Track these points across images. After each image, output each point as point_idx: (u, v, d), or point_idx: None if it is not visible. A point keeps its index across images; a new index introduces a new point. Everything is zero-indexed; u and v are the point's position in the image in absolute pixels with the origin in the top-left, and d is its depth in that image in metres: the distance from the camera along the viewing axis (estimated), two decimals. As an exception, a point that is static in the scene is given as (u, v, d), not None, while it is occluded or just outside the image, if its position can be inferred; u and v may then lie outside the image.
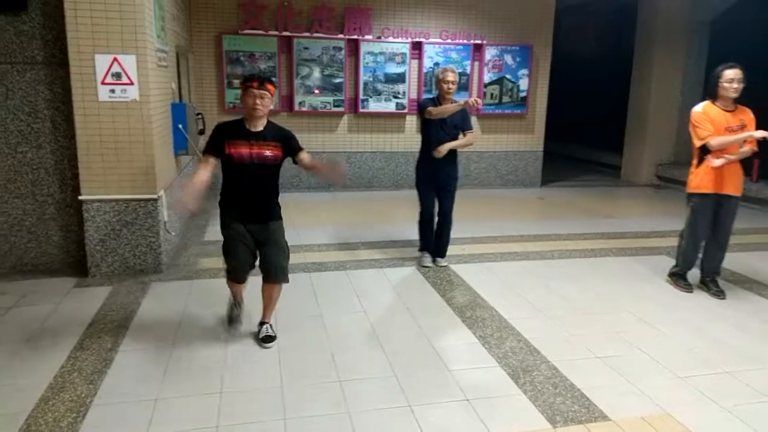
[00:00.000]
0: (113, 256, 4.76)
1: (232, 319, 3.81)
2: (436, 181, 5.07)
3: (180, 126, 5.52)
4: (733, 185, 4.57)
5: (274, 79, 8.04)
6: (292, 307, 4.23)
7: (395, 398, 3.04)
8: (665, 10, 9.65)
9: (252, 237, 3.55)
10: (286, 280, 3.68)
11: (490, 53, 8.89)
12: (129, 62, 4.44)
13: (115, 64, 4.41)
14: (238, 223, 3.52)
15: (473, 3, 8.79)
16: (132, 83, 4.48)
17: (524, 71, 9.08)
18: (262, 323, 3.76)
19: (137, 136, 4.58)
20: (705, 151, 4.50)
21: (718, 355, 3.62)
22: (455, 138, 5.01)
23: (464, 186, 9.24)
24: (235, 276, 3.63)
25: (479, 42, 8.84)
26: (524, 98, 9.18)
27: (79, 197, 4.61)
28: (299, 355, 3.49)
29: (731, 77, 4.37)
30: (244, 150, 3.41)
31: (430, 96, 5.16)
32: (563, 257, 5.60)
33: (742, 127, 4.42)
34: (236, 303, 3.80)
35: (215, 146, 3.43)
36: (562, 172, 11.03)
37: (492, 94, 9.04)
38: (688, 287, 4.73)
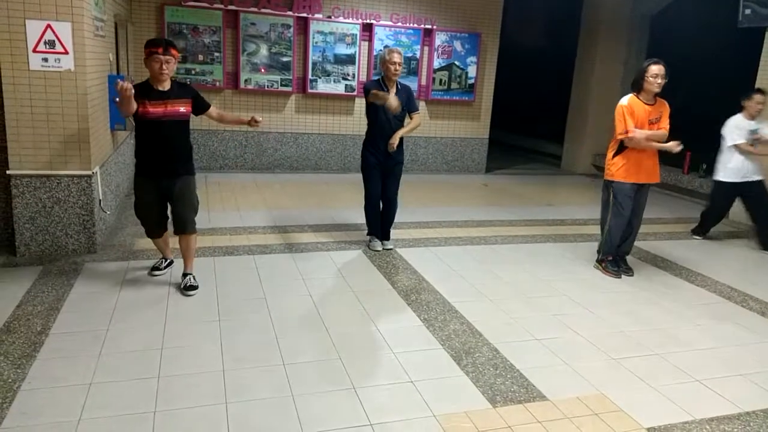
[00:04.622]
0: (44, 235, 4.52)
1: (155, 267, 4.30)
2: (385, 163, 5.06)
3: (117, 99, 5.25)
4: (650, 174, 4.81)
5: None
6: (235, 289, 4.14)
7: (340, 380, 3.04)
8: (609, 3, 9.92)
9: (163, 193, 3.95)
10: (194, 231, 4.10)
11: (439, 39, 8.91)
12: (64, 30, 4.19)
13: (49, 31, 4.15)
14: (150, 182, 3.91)
15: (424, -13, 8.77)
16: (66, 52, 4.24)
17: (473, 59, 9.16)
18: (184, 274, 4.08)
19: (71, 108, 4.34)
20: (623, 142, 4.74)
21: (649, 337, 3.79)
22: (401, 120, 5.01)
23: (411, 171, 9.29)
24: (149, 233, 4.15)
25: (429, 27, 8.84)
26: (472, 85, 9.27)
27: (7, 172, 4.33)
28: (242, 338, 3.43)
29: (656, 72, 4.58)
30: (159, 108, 3.78)
31: (375, 78, 5.09)
32: (505, 243, 5.72)
33: (659, 119, 4.71)
34: (164, 257, 4.34)
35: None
36: (506, 160, 11.25)
37: (441, 80, 9.09)
38: (617, 273, 4.93)
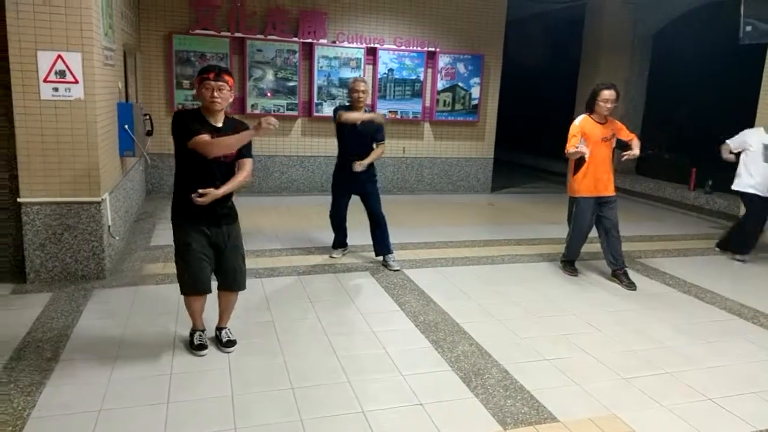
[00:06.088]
0: (54, 262, 4.56)
1: (199, 346, 3.52)
2: (352, 187, 5.33)
3: (126, 126, 5.34)
4: (607, 187, 5.11)
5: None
6: (243, 313, 4.14)
7: (349, 404, 3.03)
8: (610, 23, 10.01)
9: (211, 241, 3.37)
10: (244, 287, 3.60)
11: (443, 61, 9.01)
12: (74, 60, 4.28)
13: (59, 61, 4.24)
14: (197, 228, 3.32)
15: (427, 11, 8.90)
16: (77, 81, 4.32)
17: (476, 80, 9.24)
18: (220, 328, 3.65)
19: (81, 136, 4.41)
20: (579, 161, 5.07)
21: (660, 356, 3.76)
22: (369, 146, 5.24)
23: (416, 191, 9.34)
24: (198, 287, 3.40)
25: (433, 50, 8.95)
26: (476, 106, 9.34)
27: (18, 199, 4.39)
28: (250, 363, 3.43)
29: (606, 97, 4.93)
30: None
31: (346, 103, 5.41)
32: (513, 262, 5.72)
33: (613, 136, 5.09)
34: (197, 327, 3.58)
35: (194, 129, 3.13)
36: (511, 179, 11.26)
37: (445, 102, 9.17)
38: (574, 272, 5.37)
